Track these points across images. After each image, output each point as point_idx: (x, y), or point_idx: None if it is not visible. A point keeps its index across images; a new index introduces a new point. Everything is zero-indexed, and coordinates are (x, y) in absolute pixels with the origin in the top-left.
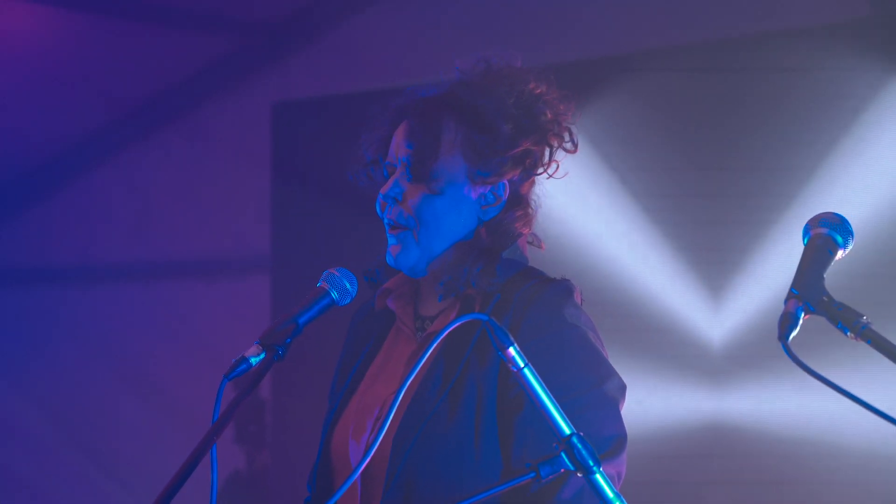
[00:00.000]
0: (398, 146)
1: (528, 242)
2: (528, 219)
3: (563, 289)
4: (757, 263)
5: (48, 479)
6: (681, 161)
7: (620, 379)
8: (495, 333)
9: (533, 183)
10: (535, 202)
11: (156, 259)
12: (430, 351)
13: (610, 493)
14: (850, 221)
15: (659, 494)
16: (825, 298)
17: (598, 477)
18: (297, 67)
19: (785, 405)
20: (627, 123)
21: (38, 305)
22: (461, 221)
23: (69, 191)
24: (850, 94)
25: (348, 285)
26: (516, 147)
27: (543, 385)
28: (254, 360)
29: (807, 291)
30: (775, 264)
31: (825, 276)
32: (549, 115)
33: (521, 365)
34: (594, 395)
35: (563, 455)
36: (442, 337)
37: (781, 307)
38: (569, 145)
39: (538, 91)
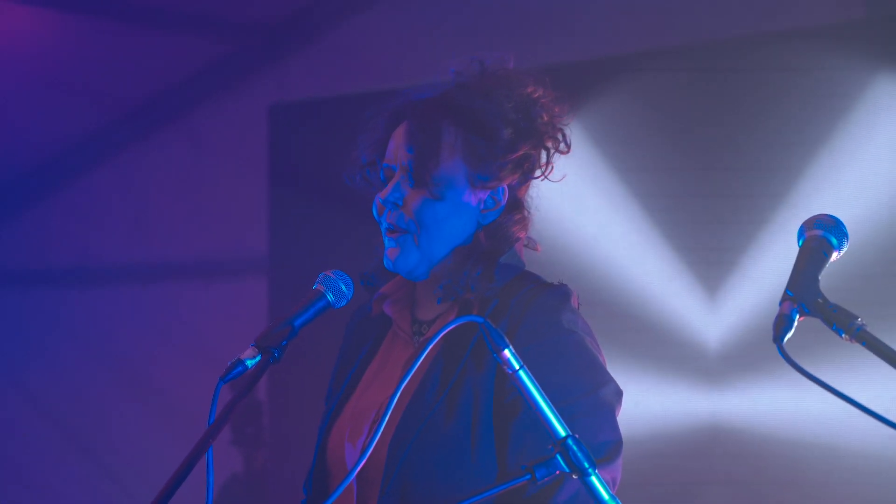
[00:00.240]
0: (397, 149)
1: (525, 246)
2: (525, 222)
3: (559, 294)
4: (754, 264)
5: (46, 478)
6: (678, 161)
7: (616, 384)
8: (490, 335)
9: (529, 186)
10: (531, 205)
11: (153, 260)
12: (428, 354)
13: (605, 496)
14: (844, 223)
15: (655, 495)
16: (820, 300)
17: (594, 479)
18: (294, 69)
19: (782, 406)
20: (625, 124)
21: (36, 306)
22: (461, 226)
23: (67, 192)
24: (847, 93)
25: (344, 288)
26: (516, 151)
27: (539, 387)
28: (249, 363)
29: (801, 293)
30: (772, 264)
31: (820, 277)
32: (546, 118)
33: (517, 367)
34: (590, 401)
35: (559, 457)
36: (437, 339)
37: (777, 309)
38: (562, 147)
39: (536, 94)
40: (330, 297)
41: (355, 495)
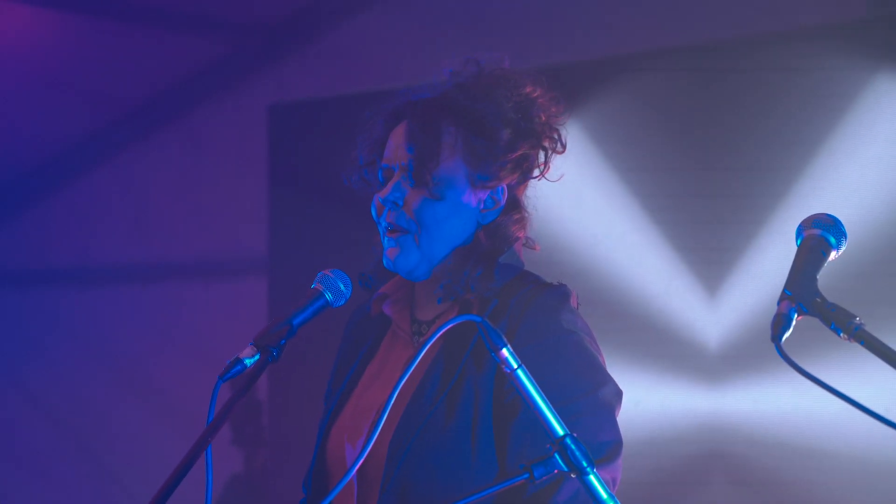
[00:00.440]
0: (397, 149)
1: (524, 245)
2: (524, 222)
3: (559, 294)
4: (754, 263)
5: (45, 478)
6: (678, 161)
7: (616, 385)
8: (488, 335)
9: (527, 186)
10: (530, 205)
11: (153, 260)
12: (427, 353)
13: (604, 495)
14: (843, 222)
15: (656, 495)
16: (818, 299)
17: (592, 478)
18: (293, 69)
19: (782, 406)
20: (626, 124)
21: (36, 306)
22: (461, 226)
23: (67, 192)
24: (847, 93)
25: (342, 287)
26: (515, 151)
27: (537, 386)
28: (248, 362)
29: (800, 292)
30: (772, 264)
31: (818, 277)
32: (544, 118)
33: (515, 366)
34: (589, 401)
35: (557, 456)
36: (435, 338)
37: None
38: (559, 147)
39: (534, 94)
40: (328, 296)
41: (356, 494)
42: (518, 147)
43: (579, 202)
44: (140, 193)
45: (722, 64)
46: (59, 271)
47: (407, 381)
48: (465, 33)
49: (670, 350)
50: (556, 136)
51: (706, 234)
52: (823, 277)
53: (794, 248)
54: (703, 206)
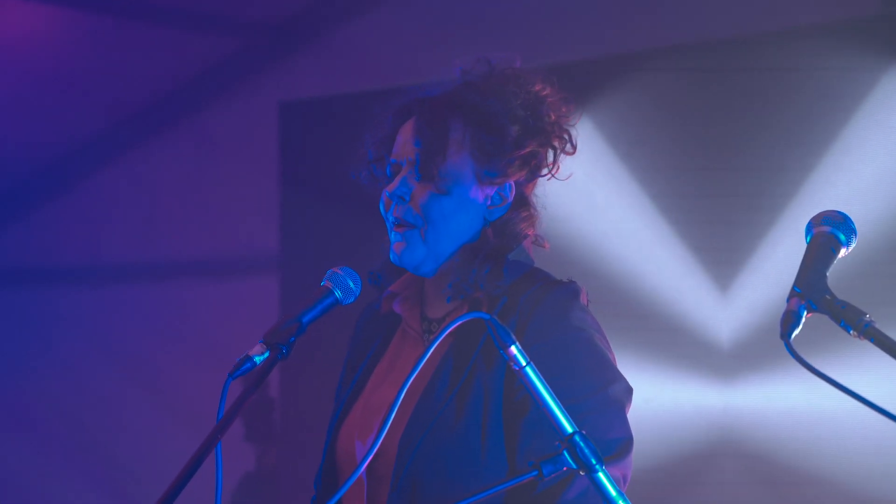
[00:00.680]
0: (405, 144)
1: (533, 243)
2: (532, 220)
3: (568, 291)
4: (765, 261)
5: (57, 474)
6: (690, 160)
7: (626, 382)
8: (497, 332)
9: (536, 184)
10: (538, 203)
11: (164, 259)
12: (437, 351)
13: (613, 492)
14: (855, 220)
15: (667, 492)
16: (828, 297)
17: (601, 475)
18: (304, 67)
19: (794, 403)
20: (637, 122)
21: (47, 305)
22: (468, 221)
23: (77, 191)
24: (858, 91)
25: (352, 284)
26: (523, 148)
27: (546, 384)
28: (258, 359)
29: (809, 290)
30: (784, 262)
31: (828, 274)
32: (553, 118)
33: (523, 363)
34: (600, 398)
35: (566, 453)
36: (443, 336)
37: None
38: (568, 147)
39: (544, 93)
40: (338, 293)
41: (365, 492)
42: (526, 144)
43: (591, 200)
44: (150, 192)
45: (733, 63)
46: (70, 270)
47: (417, 378)
48: (474, 31)
49: (682, 348)
50: (566, 137)
51: (717, 232)
52: (833, 275)
53: (805, 246)
54: (714, 205)
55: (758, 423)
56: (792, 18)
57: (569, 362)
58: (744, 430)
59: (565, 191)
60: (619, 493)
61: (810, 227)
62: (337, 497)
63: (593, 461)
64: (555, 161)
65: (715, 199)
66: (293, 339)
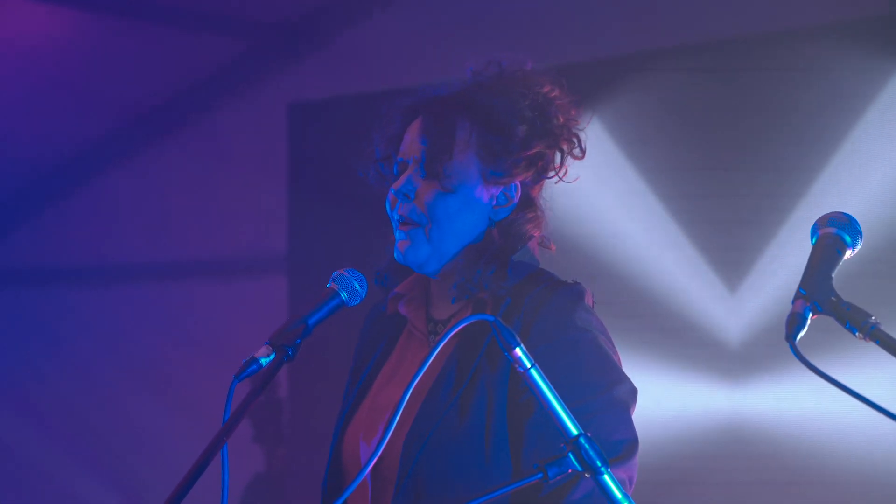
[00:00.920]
0: (411, 143)
1: (539, 244)
2: (538, 221)
3: (573, 292)
4: (774, 262)
5: (65, 474)
6: (699, 160)
7: (631, 383)
8: (502, 334)
9: (543, 186)
10: (545, 205)
11: (172, 260)
12: (441, 353)
13: (618, 495)
14: (865, 222)
15: (676, 495)
16: (833, 298)
17: (607, 478)
18: (313, 68)
19: (804, 405)
20: (645, 123)
21: (55, 305)
22: (472, 221)
23: (86, 192)
24: (868, 91)
25: (357, 286)
26: (530, 149)
27: (551, 386)
28: (264, 361)
29: (814, 291)
30: (793, 263)
31: (833, 275)
32: (562, 120)
33: (528, 365)
34: (604, 400)
35: (571, 455)
36: (448, 337)
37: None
38: (577, 151)
39: (553, 94)
40: (343, 295)
41: (370, 494)
42: (533, 145)
43: (600, 201)
44: (159, 193)
45: (742, 63)
46: (78, 271)
47: (422, 380)
48: (482, 32)
49: (690, 349)
50: (574, 141)
51: (726, 232)
52: (839, 276)
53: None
54: (723, 206)
55: (766, 424)
56: (801, 19)
57: (573, 363)
58: (752, 431)
59: (573, 191)
60: (625, 495)
61: (815, 228)
62: (342, 499)
63: (599, 463)
64: (562, 164)
65: (724, 200)
66: (299, 340)
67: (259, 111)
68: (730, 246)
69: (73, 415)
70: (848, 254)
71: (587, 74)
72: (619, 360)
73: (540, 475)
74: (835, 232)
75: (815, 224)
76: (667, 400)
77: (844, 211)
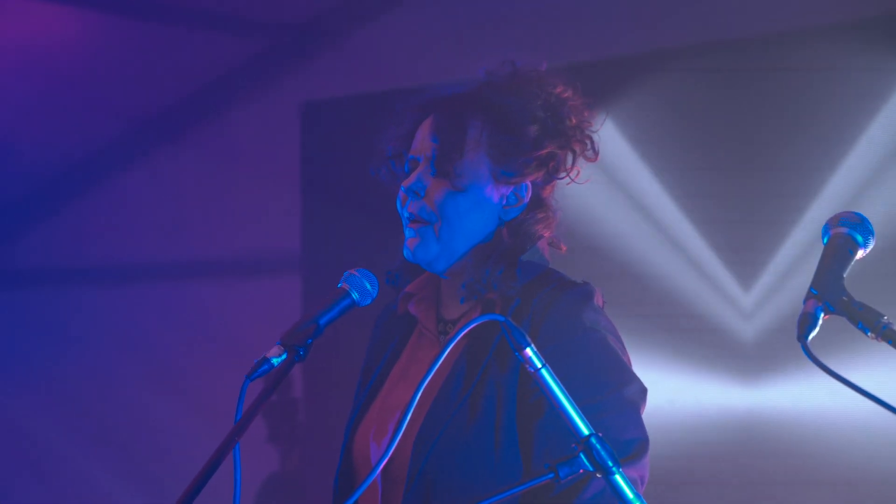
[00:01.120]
0: (423, 141)
1: (549, 245)
2: (549, 221)
3: (582, 292)
4: (788, 262)
5: (79, 472)
6: (713, 160)
7: (641, 383)
8: (512, 334)
9: (554, 187)
10: (555, 206)
11: (185, 260)
12: (451, 353)
13: (630, 494)
14: (880, 222)
15: (691, 494)
16: (845, 298)
17: (618, 478)
18: (326, 68)
19: (819, 404)
20: (659, 122)
21: (70, 305)
22: (482, 220)
23: (100, 193)
24: (883, 91)
25: (368, 286)
26: (541, 149)
27: (561, 386)
28: (275, 361)
29: (826, 291)
30: (807, 262)
31: (845, 275)
32: (574, 121)
33: (539, 366)
34: (614, 399)
35: (582, 456)
36: (458, 339)
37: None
38: (590, 153)
39: (565, 95)
40: (355, 295)
41: (380, 494)
42: (544, 145)
43: (613, 200)
44: (173, 193)
45: (756, 63)
46: (92, 271)
47: (432, 380)
48: (494, 32)
49: (705, 348)
50: (587, 143)
51: (740, 232)
52: (851, 276)
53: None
54: (737, 205)
55: (782, 423)
56: (815, 18)
57: (582, 363)
58: (768, 430)
59: (587, 191)
60: (637, 494)
61: (827, 228)
62: (353, 499)
63: (610, 463)
64: (573, 165)
65: (738, 199)
66: (310, 340)
67: (271, 111)
68: (744, 246)
69: (87, 413)
70: (860, 254)
71: (601, 73)
72: (628, 360)
73: (551, 475)
74: (847, 232)
75: (826, 224)
76: (682, 400)
77: (856, 211)
